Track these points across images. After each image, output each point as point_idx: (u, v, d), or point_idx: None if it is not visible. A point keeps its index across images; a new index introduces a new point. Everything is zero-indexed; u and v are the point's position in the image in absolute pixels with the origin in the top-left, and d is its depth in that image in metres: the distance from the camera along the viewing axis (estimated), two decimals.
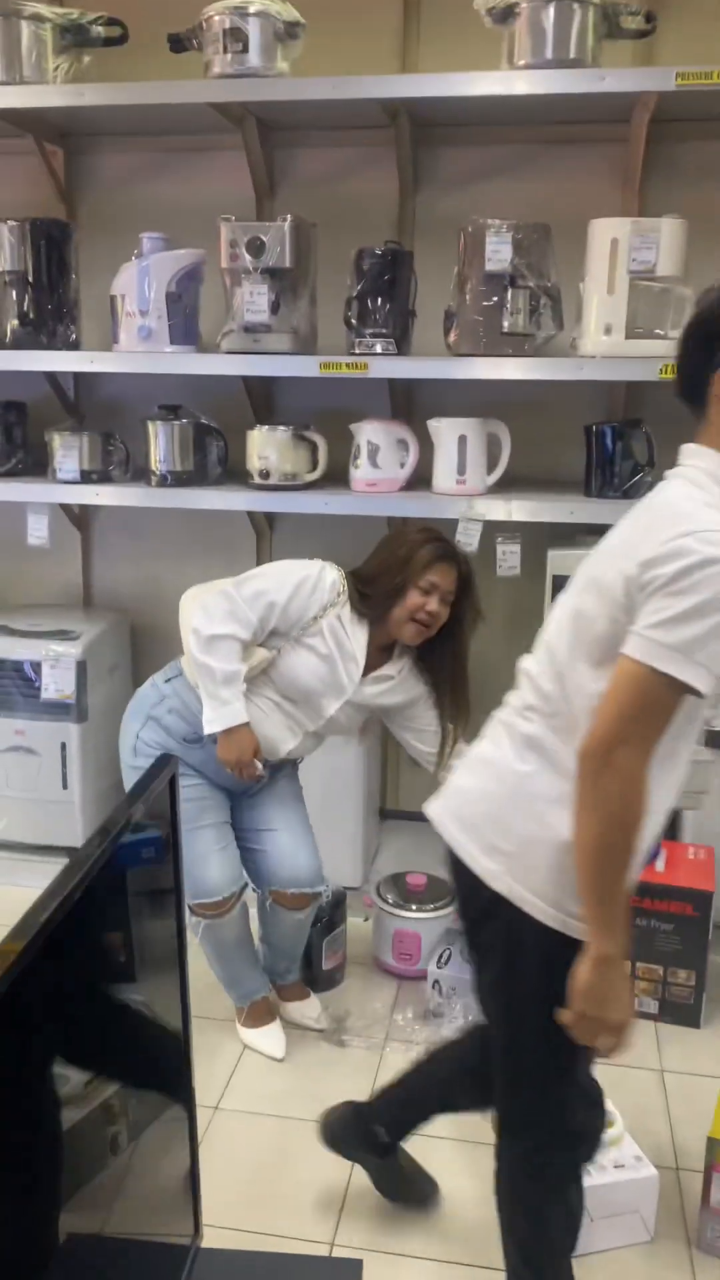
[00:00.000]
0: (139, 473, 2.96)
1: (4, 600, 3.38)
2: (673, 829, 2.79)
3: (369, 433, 2.73)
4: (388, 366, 2.67)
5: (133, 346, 2.78)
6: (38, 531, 2.96)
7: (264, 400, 3.07)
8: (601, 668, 1.35)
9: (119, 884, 1.06)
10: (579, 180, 2.83)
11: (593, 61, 2.44)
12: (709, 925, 2.49)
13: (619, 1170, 1.90)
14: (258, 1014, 2.44)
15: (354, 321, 2.70)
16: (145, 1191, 1.19)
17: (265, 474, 2.77)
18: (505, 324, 2.56)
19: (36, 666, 3.00)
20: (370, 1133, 1.90)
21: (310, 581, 2.19)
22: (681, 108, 2.53)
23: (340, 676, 2.22)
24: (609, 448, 2.66)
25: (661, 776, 1.36)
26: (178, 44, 2.64)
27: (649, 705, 1.29)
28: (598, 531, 2.68)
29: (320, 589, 2.19)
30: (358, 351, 2.69)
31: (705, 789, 2.50)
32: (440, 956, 2.54)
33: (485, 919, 1.50)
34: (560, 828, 1.38)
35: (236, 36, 2.53)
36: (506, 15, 2.45)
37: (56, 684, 3.00)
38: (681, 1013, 2.52)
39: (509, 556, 2.69)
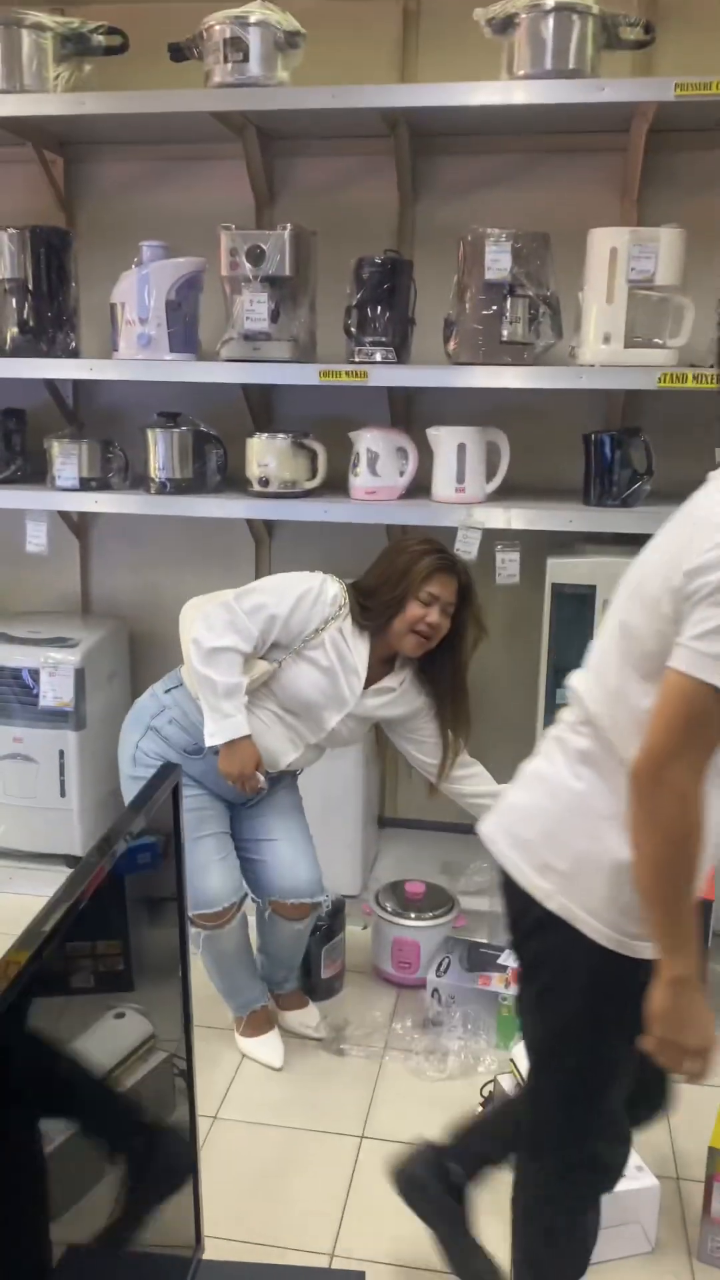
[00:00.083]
0: (138, 480, 2.96)
1: (2, 607, 3.38)
2: None
3: (368, 441, 2.73)
4: (387, 375, 2.67)
5: (132, 354, 2.78)
6: (36, 539, 2.96)
7: (263, 408, 3.07)
8: (651, 682, 1.31)
9: (119, 892, 1.05)
10: (578, 190, 2.84)
11: (592, 72, 2.45)
12: (708, 934, 2.48)
13: (620, 1180, 1.89)
14: (256, 1023, 2.43)
15: (354, 330, 2.71)
16: (146, 1202, 1.18)
17: (265, 482, 2.77)
18: (504, 333, 2.56)
19: (35, 674, 3.00)
20: (445, 1170, 1.80)
21: (311, 594, 2.18)
22: (680, 118, 2.54)
23: (342, 689, 2.22)
24: (607, 456, 2.66)
25: (717, 791, 1.31)
26: (178, 53, 2.65)
27: (698, 719, 1.25)
28: (596, 540, 2.71)
29: (321, 602, 2.19)
30: (357, 360, 2.69)
31: None
32: (439, 965, 2.53)
33: (535, 935, 1.46)
34: (616, 846, 1.34)
35: (237, 46, 2.53)
36: (506, 26, 2.46)
37: (55, 691, 3.00)
38: None
39: (508, 565, 2.69)
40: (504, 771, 2.45)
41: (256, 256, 2.62)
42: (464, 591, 2.22)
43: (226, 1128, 2.21)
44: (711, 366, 2.48)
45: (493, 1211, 1.67)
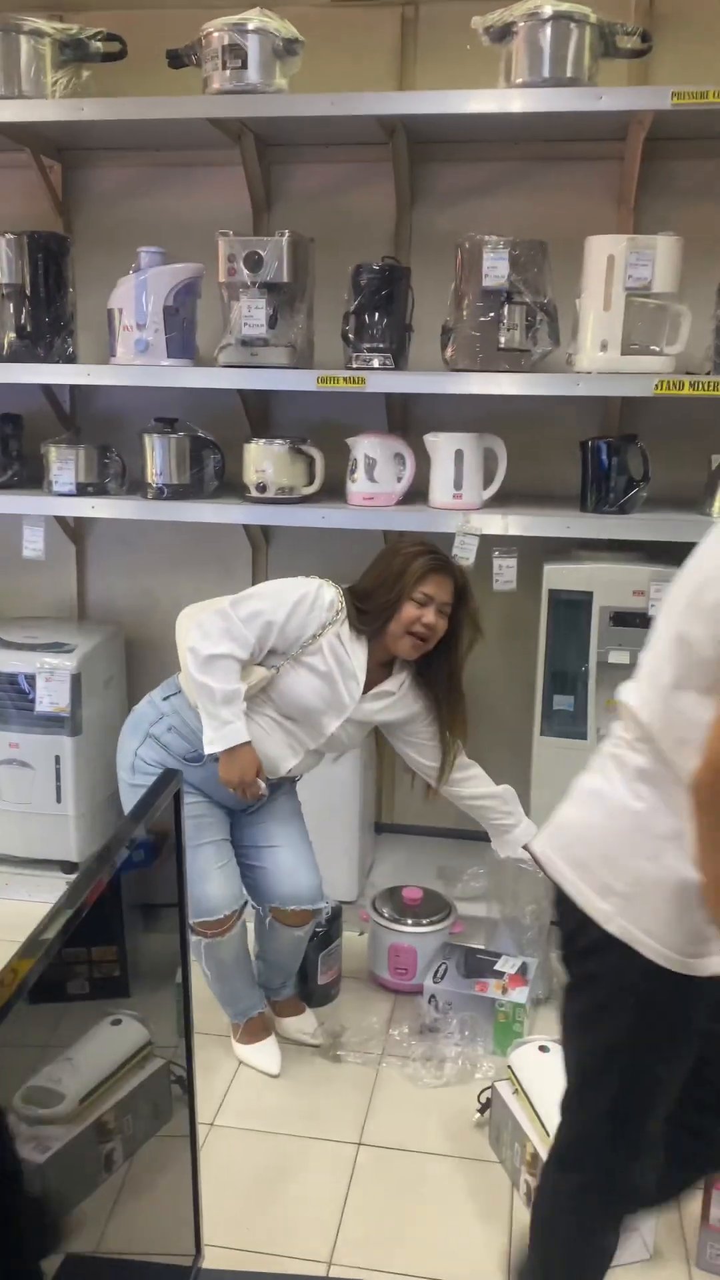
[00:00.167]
0: (135, 486, 2.96)
1: None
2: None
3: (366, 447, 2.73)
4: (385, 381, 2.67)
5: (130, 360, 2.78)
6: (33, 544, 2.96)
7: (261, 414, 3.07)
8: (711, 695, 1.27)
9: (117, 899, 1.05)
10: (575, 197, 2.85)
11: (589, 80, 2.46)
12: None
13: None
14: (253, 1030, 2.42)
15: (351, 336, 2.71)
16: (145, 1210, 1.18)
17: (262, 487, 2.77)
18: (502, 339, 2.57)
19: (31, 679, 2.99)
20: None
21: (308, 600, 2.18)
22: (677, 126, 2.55)
23: (341, 694, 2.22)
24: (604, 463, 2.67)
25: None
26: (176, 60, 2.65)
27: None
28: (593, 546, 2.72)
29: (318, 607, 2.18)
30: (355, 366, 2.70)
31: None
32: (436, 971, 2.53)
33: (591, 955, 1.43)
34: (679, 867, 1.32)
35: (235, 53, 2.54)
36: (504, 34, 2.47)
37: (51, 697, 2.99)
38: None
39: (505, 571, 2.70)
40: (502, 776, 2.47)
41: (254, 263, 2.62)
42: (460, 592, 2.23)
43: (223, 1135, 2.20)
44: (708, 374, 2.49)
45: (493, 1211, 1.67)
